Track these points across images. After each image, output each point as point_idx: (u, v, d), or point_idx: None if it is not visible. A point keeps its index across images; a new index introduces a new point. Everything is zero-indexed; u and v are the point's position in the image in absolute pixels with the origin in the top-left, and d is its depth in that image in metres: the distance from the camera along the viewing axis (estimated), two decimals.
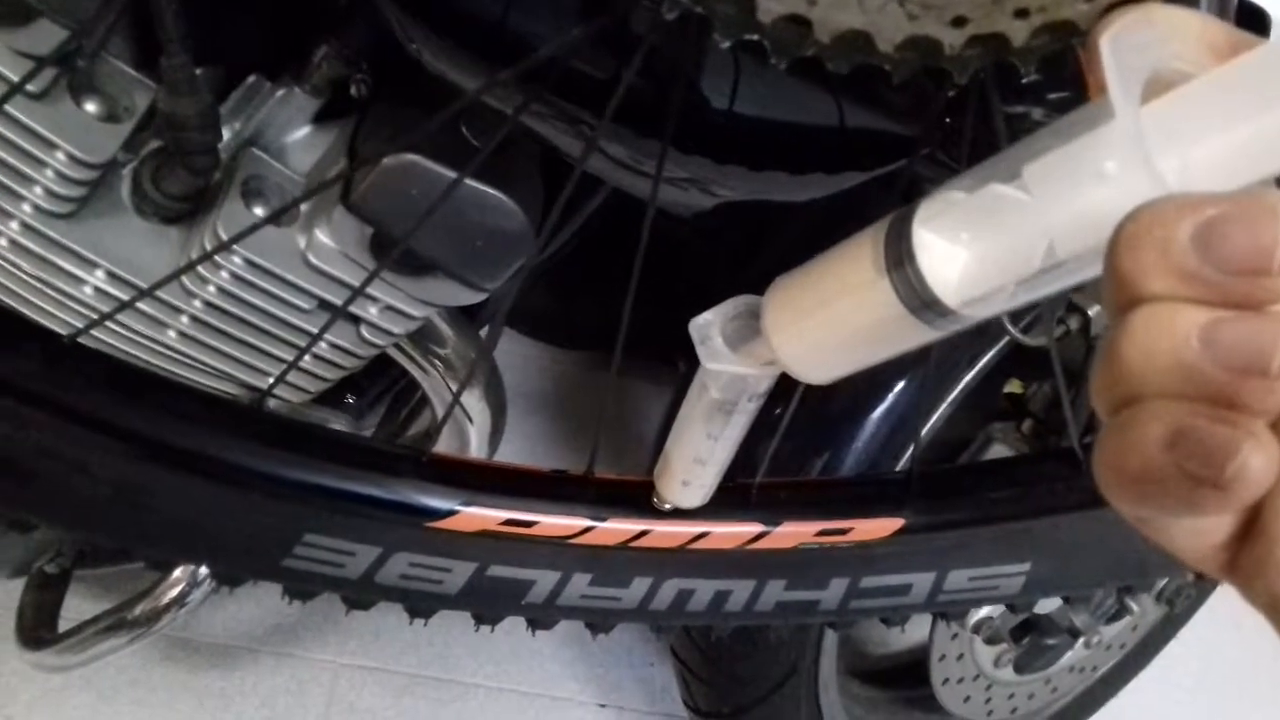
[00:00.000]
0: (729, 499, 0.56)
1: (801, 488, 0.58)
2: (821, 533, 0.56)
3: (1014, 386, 0.95)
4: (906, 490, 0.56)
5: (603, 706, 1.12)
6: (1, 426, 0.45)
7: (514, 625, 1.13)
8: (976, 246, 0.32)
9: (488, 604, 0.57)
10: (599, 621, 0.59)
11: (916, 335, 0.36)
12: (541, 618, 0.58)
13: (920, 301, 0.34)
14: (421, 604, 0.56)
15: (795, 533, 0.56)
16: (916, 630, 1.14)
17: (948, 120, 0.46)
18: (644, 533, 0.55)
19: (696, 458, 0.50)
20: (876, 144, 0.54)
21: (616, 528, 0.55)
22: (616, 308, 1.34)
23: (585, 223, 0.83)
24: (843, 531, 0.56)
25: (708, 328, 0.44)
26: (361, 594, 0.55)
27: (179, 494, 0.49)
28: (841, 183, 0.60)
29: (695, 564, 0.57)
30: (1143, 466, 0.23)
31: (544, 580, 0.56)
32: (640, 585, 0.57)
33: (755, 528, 0.56)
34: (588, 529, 0.55)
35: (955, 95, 0.46)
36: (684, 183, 0.60)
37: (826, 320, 0.38)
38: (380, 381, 0.80)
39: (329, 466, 0.51)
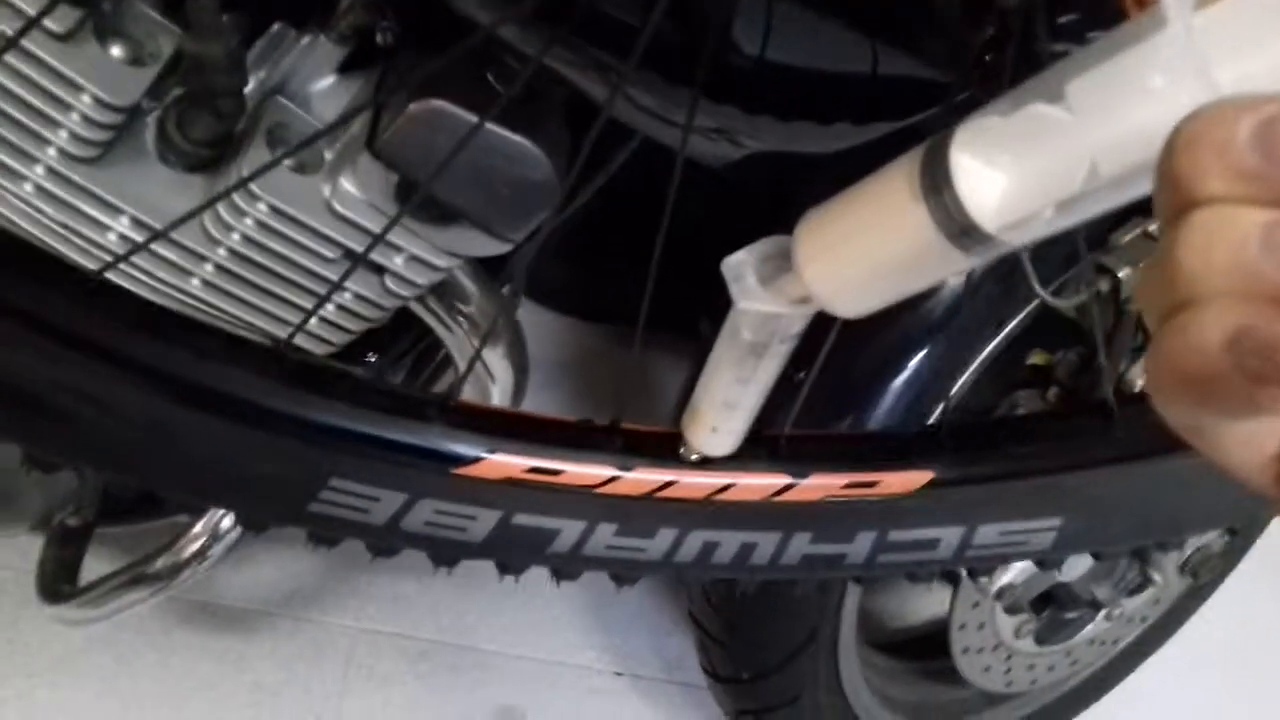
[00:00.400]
0: (756, 450, 0.56)
1: (830, 440, 0.58)
2: (849, 485, 0.56)
3: (1037, 359, 0.94)
4: (936, 443, 0.56)
5: (619, 675, 1.12)
6: (29, 362, 0.45)
7: (532, 593, 1.14)
8: (1016, 169, 0.32)
9: (512, 553, 0.56)
10: (624, 573, 0.59)
11: (952, 262, 0.35)
12: (566, 568, 0.58)
13: (958, 227, 0.33)
14: (446, 552, 0.56)
15: (822, 485, 0.56)
16: (933, 603, 1.14)
17: (986, 59, 0.45)
18: (670, 483, 0.55)
19: (726, 403, 0.49)
20: (908, 92, 0.53)
21: (642, 477, 0.55)
22: (638, 280, 1.34)
23: (607, 192, 0.83)
24: (871, 484, 0.56)
25: (741, 266, 0.43)
26: (386, 541, 0.55)
27: (206, 435, 0.49)
28: (869, 133, 0.59)
29: (721, 515, 0.56)
30: (1202, 367, 0.23)
31: (569, 530, 0.55)
32: (666, 536, 0.57)
33: (782, 479, 0.56)
34: (613, 478, 0.54)
35: (995, 33, 0.45)
36: (712, 133, 0.59)
37: (860, 250, 0.38)
38: (402, 342, 0.79)
39: (355, 410, 0.51)
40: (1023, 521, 0.57)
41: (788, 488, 0.56)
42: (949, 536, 0.57)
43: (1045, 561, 0.59)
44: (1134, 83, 0.29)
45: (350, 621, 1.07)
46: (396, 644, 1.07)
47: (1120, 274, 0.74)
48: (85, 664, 1.00)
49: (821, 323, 0.47)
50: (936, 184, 0.33)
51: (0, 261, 0.45)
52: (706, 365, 0.49)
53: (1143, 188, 0.31)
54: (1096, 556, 0.67)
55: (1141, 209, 0.78)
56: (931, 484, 0.56)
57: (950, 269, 0.36)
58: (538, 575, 1.13)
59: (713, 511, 0.56)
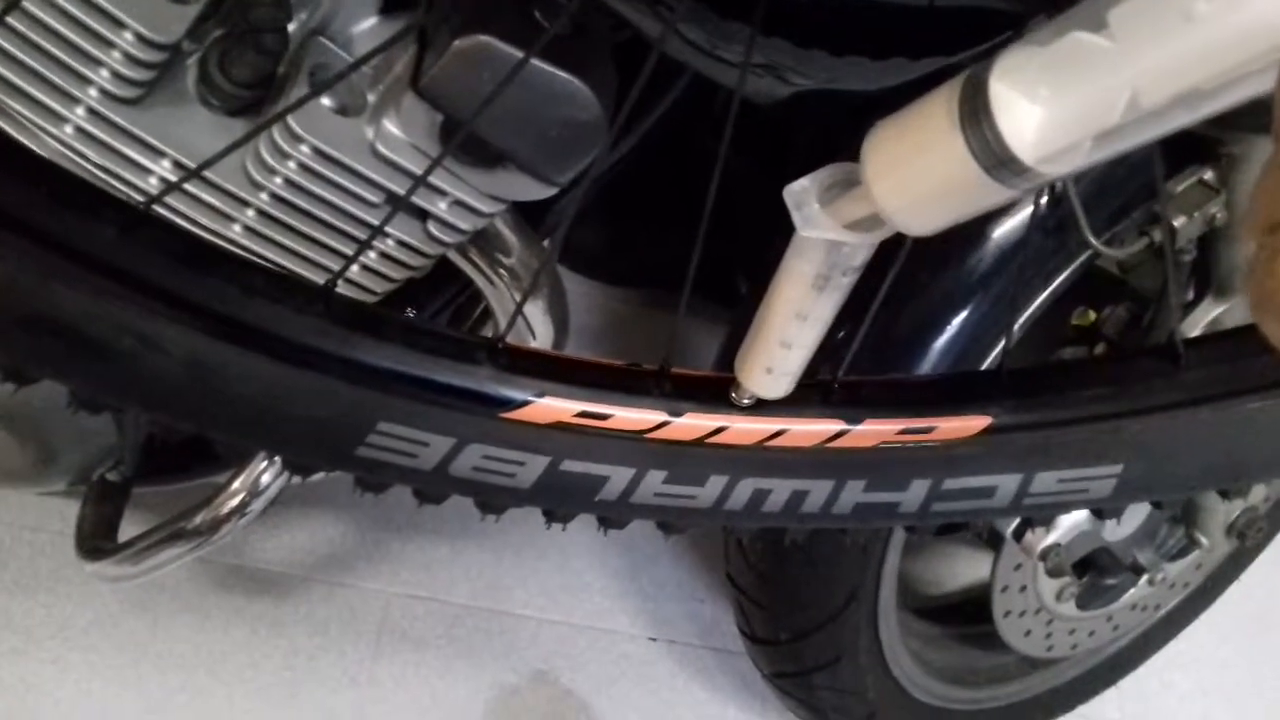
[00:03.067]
0: (809, 395, 0.54)
1: (884, 385, 0.56)
2: (904, 431, 0.54)
3: (1081, 320, 0.92)
4: (995, 387, 0.54)
5: (653, 640, 1.11)
6: (72, 296, 0.44)
7: (565, 558, 1.13)
8: (1055, 100, 0.32)
9: (560, 500, 0.55)
10: (672, 521, 0.58)
11: (992, 194, 0.35)
12: (614, 516, 0.57)
13: (995, 159, 0.33)
14: (494, 499, 0.55)
15: (877, 431, 0.54)
16: (971, 569, 1.13)
17: None
18: (721, 428, 0.54)
19: (783, 341, 0.48)
20: (971, 22, 0.52)
21: (692, 423, 0.54)
22: (671, 244, 1.32)
23: (636, 153, 0.81)
24: (926, 430, 0.54)
25: (803, 194, 0.42)
26: (434, 487, 0.54)
27: (252, 375, 0.48)
28: (923, 68, 0.58)
29: (772, 462, 0.55)
30: None
31: (618, 477, 0.54)
32: (716, 484, 0.56)
33: (835, 425, 0.54)
34: (663, 424, 0.53)
35: None
36: (759, 68, 0.57)
37: (916, 173, 0.37)
38: (440, 297, 0.78)
39: (405, 352, 0.49)
40: (1082, 468, 0.55)
41: (841, 434, 0.55)
42: (1006, 484, 0.56)
43: (1103, 510, 0.58)
44: (1178, 9, 0.28)
45: (384, 586, 1.07)
46: (430, 608, 1.07)
47: (1176, 223, 0.72)
48: (120, 627, 1.00)
49: (866, 278, 0.46)
50: (975, 115, 0.33)
51: (44, 192, 0.44)
52: (763, 303, 0.48)
53: (1184, 119, 0.31)
54: (1157, 505, 0.66)
55: (1197, 157, 0.76)
56: (989, 430, 0.54)
57: (990, 201, 0.36)
58: (572, 539, 1.13)
59: (764, 458, 0.55)
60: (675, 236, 1.24)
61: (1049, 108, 0.32)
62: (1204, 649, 1.20)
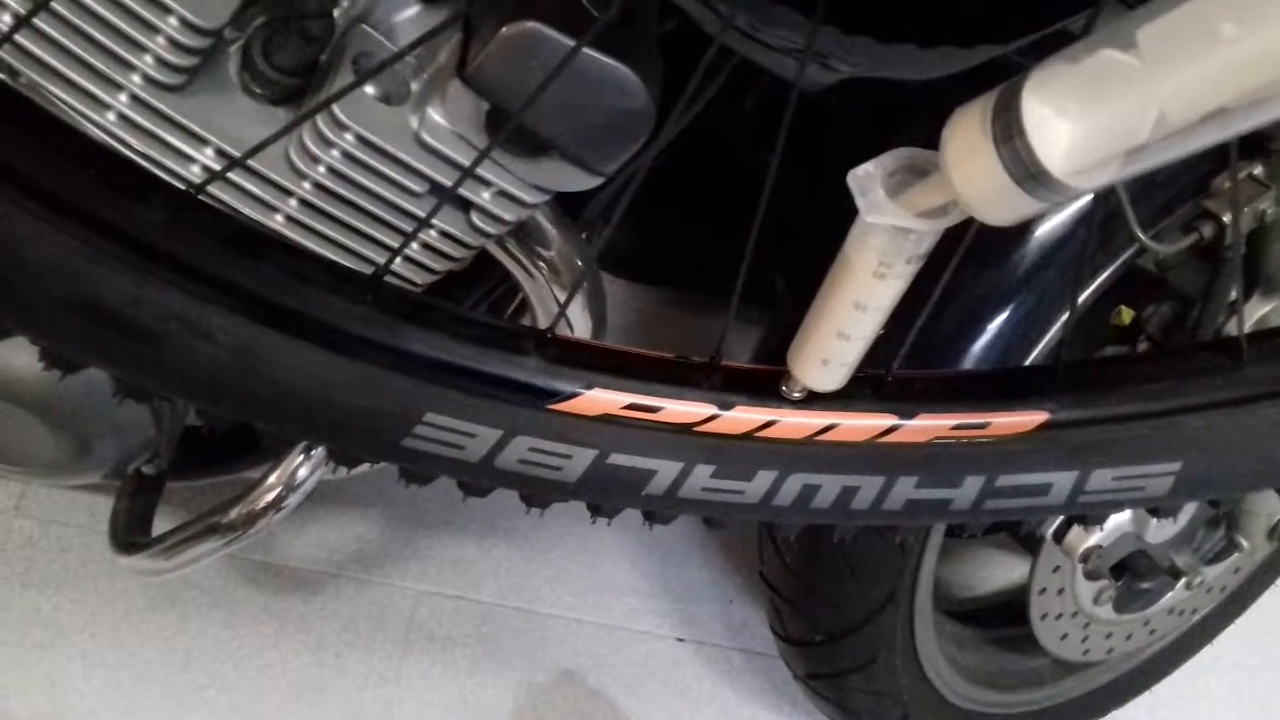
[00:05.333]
0: (860, 389, 0.53)
1: (938, 379, 0.55)
2: (958, 426, 0.53)
3: (1119, 320, 0.91)
4: (1052, 381, 0.53)
5: (681, 640, 1.10)
6: (118, 280, 0.43)
7: (594, 557, 1.12)
8: (1086, 117, 0.32)
9: (607, 494, 0.54)
10: (719, 516, 0.57)
11: (1021, 205, 0.35)
12: (661, 510, 0.56)
13: (1026, 172, 0.34)
14: (540, 492, 0.54)
15: (930, 426, 0.53)
16: (1007, 573, 1.12)
17: None
18: (770, 423, 0.53)
19: (840, 332, 0.47)
20: (1028, 6, 0.51)
21: (742, 416, 0.53)
22: (699, 242, 1.31)
23: (666, 156, 0.80)
24: (981, 425, 0.53)
25: (869, 179, 0.41)
26: (479, 479, 0.53)
27: (300, 363, 0.47)
28: (971, 58, 0.56)
29: (822, 458, 0.54)
30: None
31: (665, 471, 0.53)
32: (764, 479, 0.55)
33: (888, 420, 0.53)
34: (713, 417, 0.52)
35: None
36: (802, 54, 0.56)
37: (969, 173, 0.37)
38: (474, 292, 0.78)
39: (453, 342, 0.49)
40: (1140, 465, 0.54)
41: (893, 429, 0.54)
42: (1061, 481, 0.55)
43: (1159, 509, 0.57)
44: (1205, 30, 0.29)
45: (412, 583, 1.06)
46: (458, 606, 1.06)
47: (1225, 218, 0.71)
48: (149, 622, 0.99)
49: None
50: (1008, 129, 0.34)
51: (93, 175, 0.43)
52: (819, 293, 0.47)
53: (1215, 136, 0.31)
54: (1213, 504, 0.64)
55: (1246, 152, 0.75)
56: (1045, 426, 0.53)
57: (1022, 211, 0.36)
58: (601, 539, 1.12)
59: (814, 453, 0.54)
60: (702, 235, 1.23)
61: (1079, 124, 0.32)
62: (1239, 654, 1.18)
